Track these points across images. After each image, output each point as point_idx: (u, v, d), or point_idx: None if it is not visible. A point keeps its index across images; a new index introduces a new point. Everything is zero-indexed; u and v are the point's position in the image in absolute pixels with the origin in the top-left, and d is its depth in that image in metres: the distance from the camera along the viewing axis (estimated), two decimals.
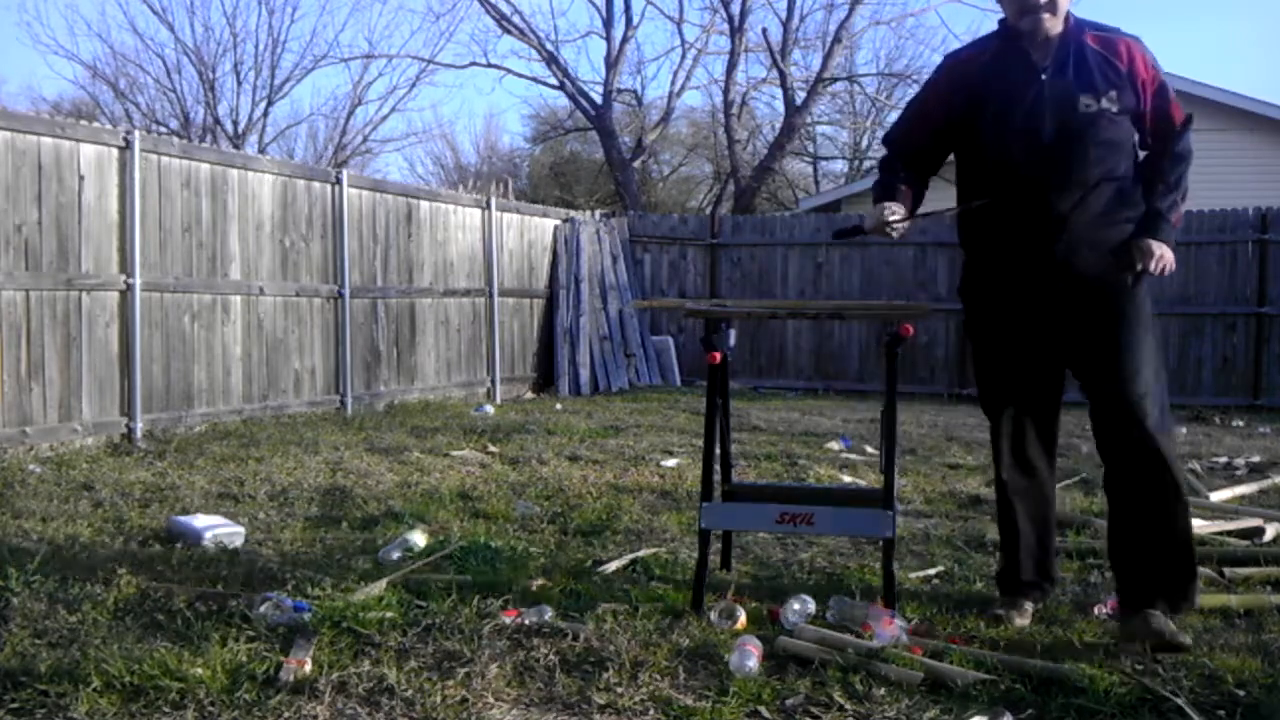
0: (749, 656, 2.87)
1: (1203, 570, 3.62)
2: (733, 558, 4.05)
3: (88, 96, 24.31)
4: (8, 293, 6.31)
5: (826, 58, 19.03)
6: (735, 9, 18.93)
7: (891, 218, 3.30)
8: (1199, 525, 4.29)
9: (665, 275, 12.73)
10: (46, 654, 2.93)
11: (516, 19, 19.44)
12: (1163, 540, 3.16)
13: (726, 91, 19.36)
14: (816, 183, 26.34)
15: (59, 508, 4.96)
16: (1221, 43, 43.89)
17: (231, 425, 7.62)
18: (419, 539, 4.25)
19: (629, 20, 19.80)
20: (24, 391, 6.40)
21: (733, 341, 3.78)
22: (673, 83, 20.94)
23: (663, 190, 26.75)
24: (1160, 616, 3.04)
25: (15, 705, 2.62)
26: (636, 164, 20.42)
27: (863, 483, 5.88)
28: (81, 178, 6.77)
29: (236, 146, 22.03)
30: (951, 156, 3.50)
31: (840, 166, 26.87)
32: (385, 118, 28.72)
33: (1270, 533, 4.50)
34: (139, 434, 7.01)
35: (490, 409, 9.41)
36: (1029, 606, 3.43)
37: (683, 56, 20.44)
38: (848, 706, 2.67)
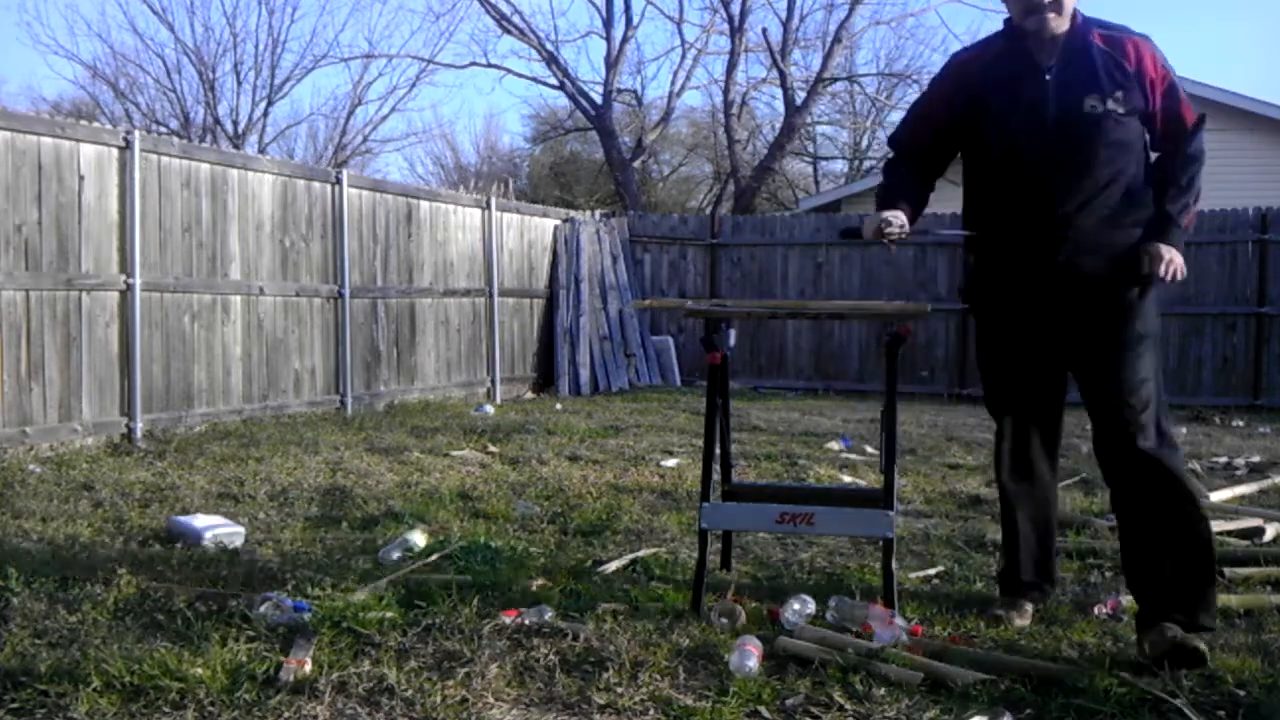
0: (749, 656, 2.87)
1: None
2: (733, 558, 4.05)
3: (88, 96, 24.35)
4: (8, 293, 6.31)
5: (826, 58, 19.04)
6: (735, 9, 18.95)
7: (887, 229, 3.29)
8: None
9: (665, 275, 12.74)
10: (46, 654, 2.93)
11: (516, 19, 19.48)
12: (1177, 551, 3.05)
13: (726, 91, 19.37)
14: (816, 183, 26.35)
15: (59, 508, 4.96)
16: (1221, 43, 43.94)
17: (231, 425, 7.63)
18: (419, 539, 4.25)
19: (629, 20, 19.84)
20: (24, 391, 6.40)
21: (733, 341, 3.78)
22: (673, 83, 21.00)
23: (663, 190, 26.75)
24: (1175, 629, 2.93)
25: (15, 705, 2.62)
26: (636, 164, 20.43)
27: (863, 483, 5.88)
28: (81, 178, 6.77)
29: (236, 146, 22.03)
30: (959, 157, 3.49)
31: (840, 166, 26.89)
32: (385, 118, 28.81)
33: (1270, 533, 4.50)
34: (139, 434, 7.01)
35: (490, 409, 9.41)
36: (1029, 607, 3.42)
37: (683, 56, 20.48)
38: (848, 706, 2.67)
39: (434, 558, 4.00)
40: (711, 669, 2.89)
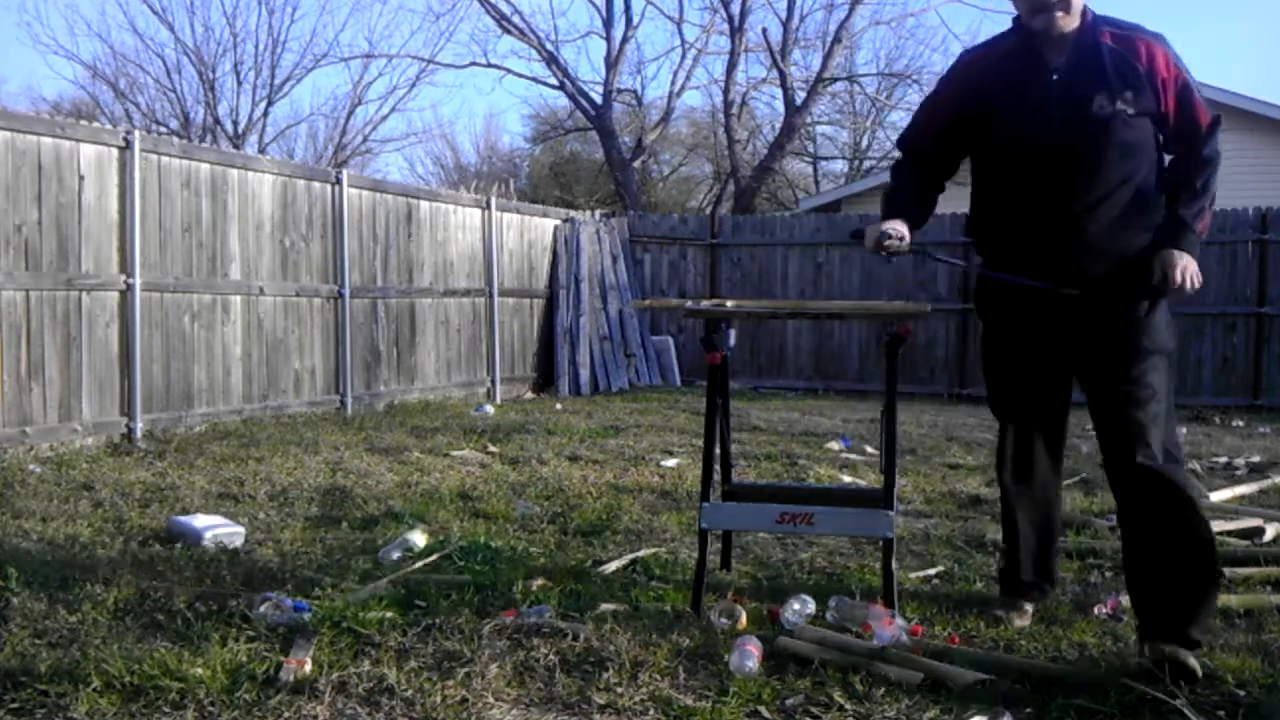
0: (749, 656, 2.87)
1: None
2: (733, 558, 4.05)
3: (88, 96, 24.34)
4: (8, 293, 6.31)
5: (826, 58, 19.03)
6: (735, 9, 18.94)
7: (886, 241, 3.27)
8: None
9: (665, 275, 12.74)
10: (46, 654, 2.93)
11: (516, 19, 19.47)
12: (1175, 570, 2.97)
13: (726, 91, 19.37)
14: (816, 183, 26.34)
15: (59, 508, 4.96)
16: (1221, 43, 43.92)
17: (231, 425, 7.63)
18: (419, 539, 4.25)
19: (629, 20, 19.83)
20: (24, 391, 6.40)
21: (733, 341, 3.78)
22: (673, 83, 20.98)
23: (663, 190, 26.75)
24: (1170, 646, 2.87)
25: (15, 705, 2.62)
26: (636, 164, 20.43)
27: (863, 483, 5.88)
28: (81, 178, 6.77)
29: (236, 146, 22.03)
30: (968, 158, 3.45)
31: (840, 166, 26.87)
32: (385, 118, 28.80)
33: (1270, 533, 4.50)
34: (139, 434, 7.01)
35: (490, 409, 9.41)
36: (1028, 607, 3.42)
37: (683, 56, 20.47)
38: (848, 706, 2.67)
39: (434, 558, 4.00)
40: (711, 669, 2.89)
